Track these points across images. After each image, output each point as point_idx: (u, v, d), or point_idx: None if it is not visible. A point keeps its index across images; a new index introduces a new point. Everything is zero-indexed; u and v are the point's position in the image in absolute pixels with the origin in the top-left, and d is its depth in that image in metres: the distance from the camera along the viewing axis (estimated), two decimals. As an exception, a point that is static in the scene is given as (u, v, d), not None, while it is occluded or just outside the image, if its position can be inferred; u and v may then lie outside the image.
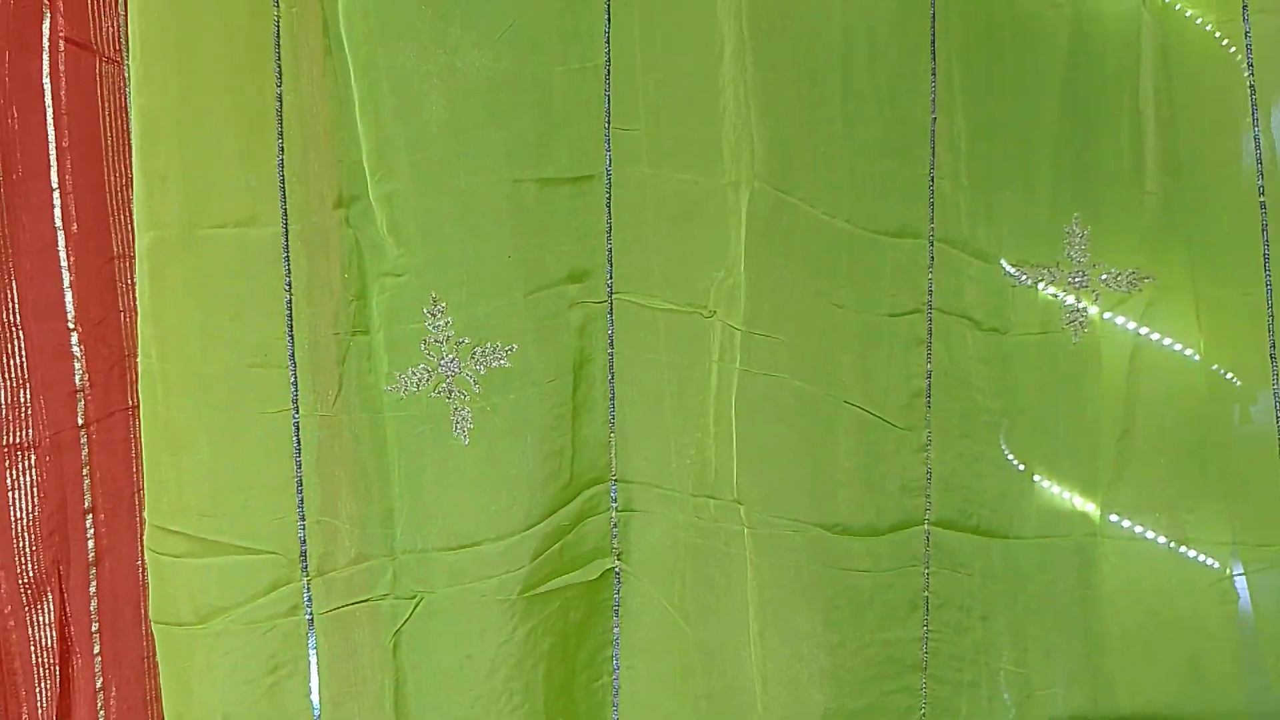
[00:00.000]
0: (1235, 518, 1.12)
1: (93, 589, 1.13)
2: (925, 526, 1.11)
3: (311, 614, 1.05)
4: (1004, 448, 1.12)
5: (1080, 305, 1.12)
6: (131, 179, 1.02)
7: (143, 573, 1.13)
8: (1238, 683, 1.13)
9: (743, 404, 1.07)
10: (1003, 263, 1.11)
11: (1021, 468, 1.12)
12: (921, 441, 1.10)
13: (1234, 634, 1.13)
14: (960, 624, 1.12)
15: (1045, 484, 1.13)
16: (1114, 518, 1.13)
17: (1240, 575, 1.12)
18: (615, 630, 1.16)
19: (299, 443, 1.03)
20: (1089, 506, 1.13)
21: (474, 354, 1.05)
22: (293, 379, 1.02)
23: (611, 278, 1.10)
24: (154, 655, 1.09)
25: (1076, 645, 1.14)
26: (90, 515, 1.12)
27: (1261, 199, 1.08)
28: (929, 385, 1.10)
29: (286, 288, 1.01)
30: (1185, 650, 1.14)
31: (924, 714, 1.12)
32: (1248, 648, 1.13)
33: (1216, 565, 1.13)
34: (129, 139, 1.04)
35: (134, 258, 1.02)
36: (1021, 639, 1.13)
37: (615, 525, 1.15)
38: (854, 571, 1.09)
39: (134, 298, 1.05)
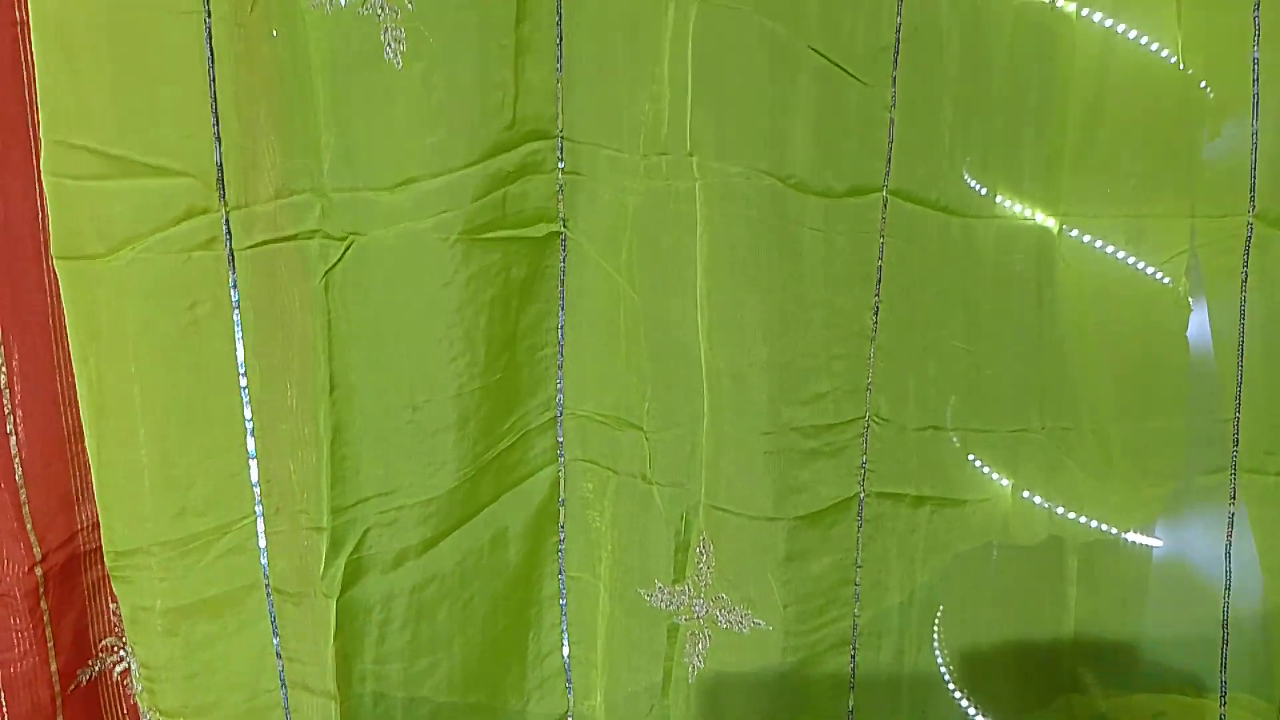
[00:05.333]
0: (1195, 199, 1.09)
1: (-17, 233, 1.03)
2: (883, 194, 1.07)
3: (231, 249, 0.97)
4: (965, 174, 1.07)
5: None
6: None
7: (42, 215, 1.03)
8: (1184, 378, 1.13)
9: (700, 41, 0.99)
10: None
11: (983, 191, 1.08)
12: (886, 101, 1.05)
13: (1182, 339, 1.12)
14: (912, 298, 1.09)
15: (1005, 201, 1.09)
16: (1072, 231, 1.10)
17: (1194, 273, 1.11)
18: (560, 298, 1.11)
19: (212, 53, 0.93)
20: (1049, 221, 1.10)
21: (407, -38, 0.95)
22: (203, -25, 0.91)
23: (558, -103, 1.00)
24: (59, 309, 1.01)
25: (1029, 332, 1.12)
26: (-23, 148, 1.01)
27: None
28: (898, 40, 1.04)
29: None
30: (1135, 346, 1.13)
31: (870, 384, 1.10)
32: (1196, 353, 1.13)
33: (1169, 282, 1.12)
34: None
35: None
36: (974, 317, 1.11)
37: (561, 188, 1.08)
38: (807, 229, 1.04)
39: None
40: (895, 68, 1.04)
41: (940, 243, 1.09)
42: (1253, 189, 1.06)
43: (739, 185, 1.02)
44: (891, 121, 1.05)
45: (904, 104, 1.05)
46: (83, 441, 1.03)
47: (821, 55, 1.01)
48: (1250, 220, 1.07)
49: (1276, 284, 1.08)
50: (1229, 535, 1.12)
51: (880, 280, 1.08)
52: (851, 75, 1.03)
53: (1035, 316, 1.12)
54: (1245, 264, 1.08)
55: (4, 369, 1.07)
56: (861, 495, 1.10)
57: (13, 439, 1.08)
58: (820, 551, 1.09)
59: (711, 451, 1.07)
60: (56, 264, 0.97)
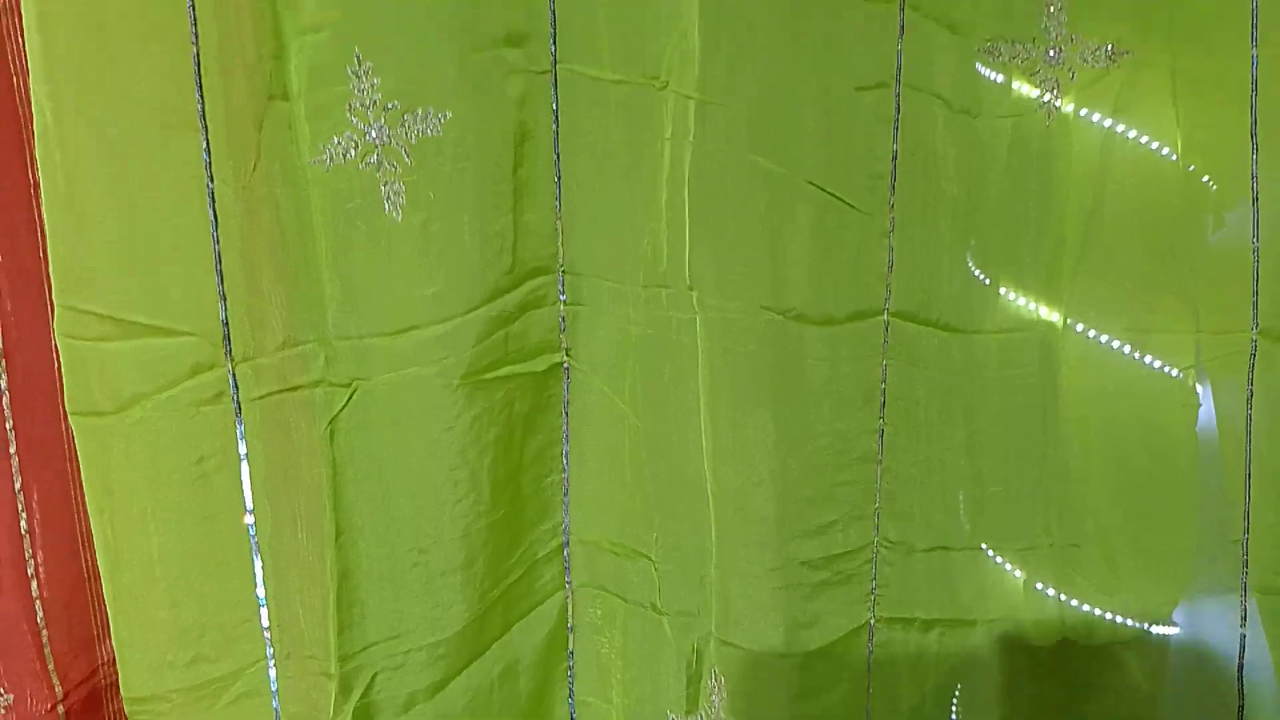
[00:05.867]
0: (1199, 310, 1.08)
1: (3, 384, 1.06)
2: (884, 317, 1.07)
3: (238, 401, 0.99)
4: (969, 261, 1.07)
5: (1055, 84, 1.05)
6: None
7: (58, 366, 1.06)
8: (1193, 494, 1.11)
9: (696, 182, 1.00)
10: (978, 37, 1.03)
11: (986, 281, 1.08)
12: (885, 227, 1.05)
13: (1192, 445, 1.11)
14: (916, 418, 1.09)
15: (1009, 294, 1.09)
16: (1077, 326, 1.09)
17: (1203, 388, 1.10)
18: (564, 427, 1.12)
19: (215, 215, 0.95)
20: (1053, 315, 1.09)
21: (404, 121, 0.96)
22: (205, 144, 0.93)
23: (555, 44, 1.01)
24: (76, 454, 1.03)
25: (1033, 444, 1.11)
26: (-6, 304, 1.04)
27: (1251, -40, 1.01)
28: (894, 167, 1.04)
29: (193, 39, 0.91)
30: (1143, 460, 1.11)
31: (878, 509, 1.09)
32: (1205, 459, 1.12)
33: (1178, 375, 1.10)
34: None
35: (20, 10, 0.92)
36: (977, 436, 1.10)
37: (563, 319, 1.09)
38: (809, 360, 1.04)
39: (25, 58, 0.94)
40: (893, 194, 1.04)
41: (942, 361, 1.09)
42: (1255, 307, 1.05)
43: (739, 320, 1.02)
44: (890, 246, 1.05)
45: (902, 226, 1.05)
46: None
47: (818, 188, 1.02)
48: (1254, 337, 1.05)
49: (1283, 401, 1.06)
50: (1241, 655, 1.10)
51: (884, 403, 1.08)
52: (849, 205, 1.03)
53: (1040, 430, 1.11)
54: (1250, 381, 1.06)
55: (25, 513, 1.09)
56: (872, 622, 1.10)
57: (34, 582, 1.11)
58: (831, 683, 1.08)
59: (720, 584, 1.07)
60: (71, 419, 0.99)
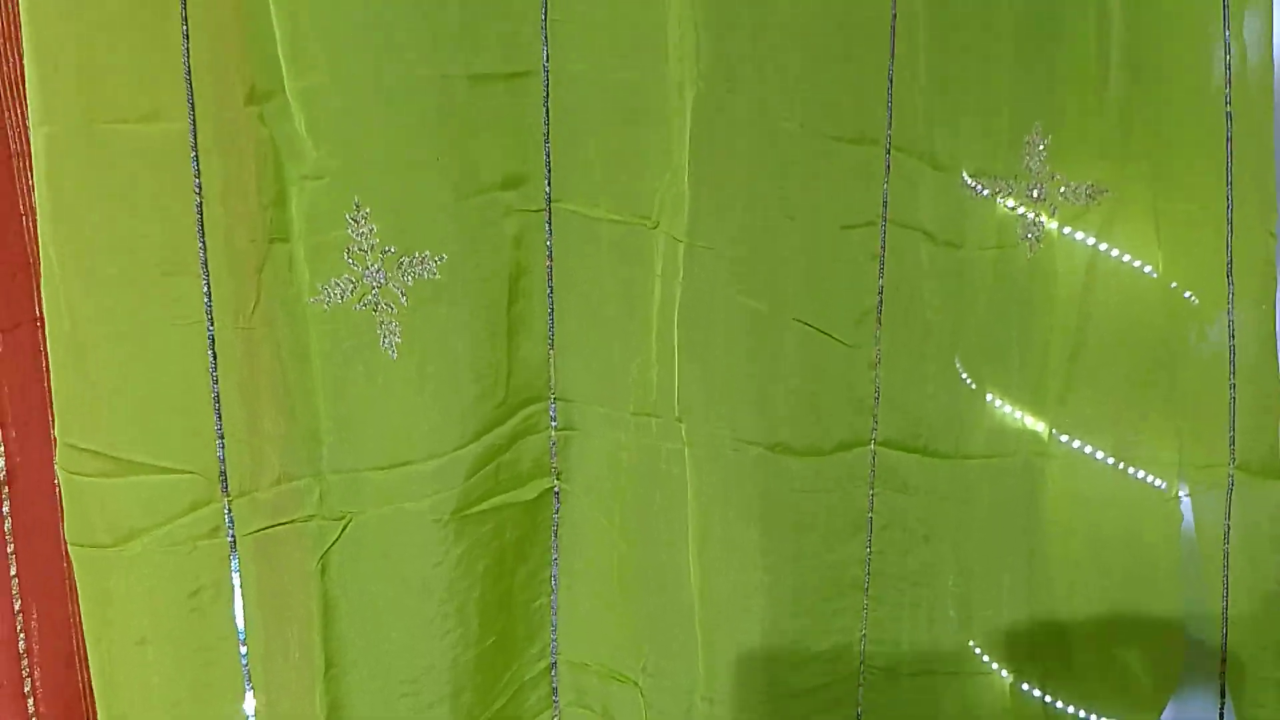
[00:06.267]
0: (1182, 437, 1.10)
1: (5, 509, 1.08)
2: (871, 446, 1.08)
3: (234, 535, 1.01)
4: (957, 365, 1.09)
5: (1037, 219, 1.08)
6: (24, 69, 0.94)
7: (59, 490, 1.08)
8: (1177, 602, 1.13)
9: (686, 321, 1.03)
10: (961, 174, 1.06)
11: (973, 386, 1.10)
12: (871, 359, 1.07)
13: (1176, 554, 1.12)
14: (903, 545, 1.10)
15: (995, 403, 1.11)
16: (1063, 437, 1.11)
17: (1185, 496, 1.11)
18: (554, 551, 1.14)
19: (215, 356, 0.97)
20: (1038, 425, 1.11)
21: (401, 264, 0.99)
22: (206, 288, 0.95)
23: (550, 185, 1.04)
24: (73, 575, 1.05)
25: (1020, 565, 1.13)
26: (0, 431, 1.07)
27: (1228, 109, 1.03)
28: (880, 302, 1.06)
29: (196, 190, 0.93)
30: (1128, 570, 1.13)
31: (864, 635, 1.10)
32: (1188, 568, 1.13)
33: (1163, 485, 1.11)
34: (19, 24, 0.94)
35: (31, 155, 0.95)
36: (965, 560, 1.12)
37: (555, 444, 1.11)
38: (796, 492, 1.06)
39: (34, 200, 0.97)
40: (879, 327, 1.07)
41: (929, 487, 1.10)
42: (1233, 442, 1.06)
43: (727, 455, 1.04)
44: (877, 378, 1.07)
45: (889, 358, 1.07)
46: (95, 697, 1.07)
47: (806, 324, 1.04)
48: (1231, 472, 1.07)
49: (1259, 535, 1.07)
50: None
51: (871, 532, 1.10)
52: (836, 340, 1.05)
53: (1026, 556, 1.12)
54: (1228, 515, 1.07)
55: (23, 633, 1.11)
56: (856, 748, 1.11)
57: (30, 699, 1.12)
58: (818, 812, 1.09)
59: (707, 714, 1.07)
60: (71, 549, 1.01)
